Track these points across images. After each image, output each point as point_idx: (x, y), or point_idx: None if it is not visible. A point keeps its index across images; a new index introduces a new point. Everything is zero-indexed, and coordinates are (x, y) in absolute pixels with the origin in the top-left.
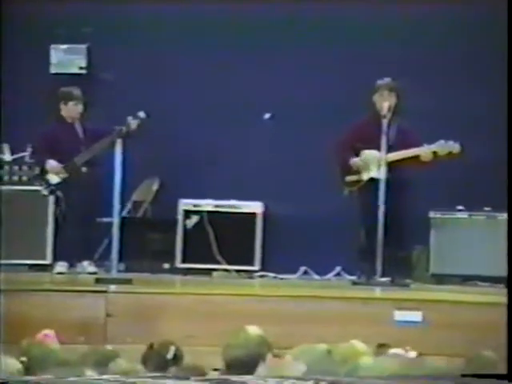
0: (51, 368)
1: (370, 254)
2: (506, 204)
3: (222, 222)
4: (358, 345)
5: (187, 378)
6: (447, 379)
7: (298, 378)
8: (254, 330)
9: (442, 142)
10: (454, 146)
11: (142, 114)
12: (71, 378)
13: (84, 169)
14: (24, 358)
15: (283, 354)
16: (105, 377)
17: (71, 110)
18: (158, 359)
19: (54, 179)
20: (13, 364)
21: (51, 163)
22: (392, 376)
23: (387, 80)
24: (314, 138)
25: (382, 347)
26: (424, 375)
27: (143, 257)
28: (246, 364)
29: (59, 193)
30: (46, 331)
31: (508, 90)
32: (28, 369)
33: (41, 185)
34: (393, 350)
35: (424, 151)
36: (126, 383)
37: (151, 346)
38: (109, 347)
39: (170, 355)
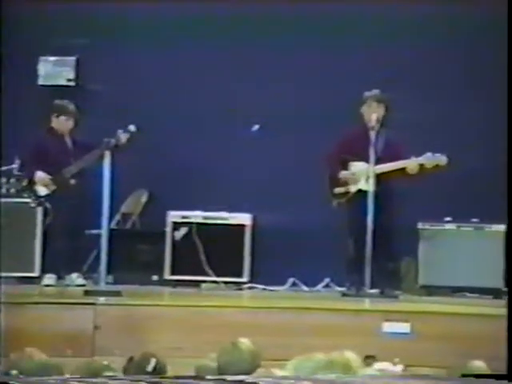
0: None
1: (358, 265)
2: (498, 215)
3: (210, 233)
4: (349, 355)
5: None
6: (447, 379)
7: (295, 378)
8: (246, 343)
9: (429, 154)
10: (441, 159)
11: (132, 128)
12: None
13: (72, 181)
14: (15, 372)
15: (272, 368)
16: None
17: (62, 124)
18: (137, 372)
19: (42, 191)
20: None
21: (39, 175)
22: (391, 376)
23: (375, 92)
24: (302, 149)
25: (368, 359)
26: (424, 375)
27: (132, 269)
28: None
29: (47, 205)
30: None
31: (508, 102)
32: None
33: (29, 196)
34: (380, 364)
35: (411, 163)
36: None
37: (131, 359)
38: (101, 360)
39: (150, 368)
